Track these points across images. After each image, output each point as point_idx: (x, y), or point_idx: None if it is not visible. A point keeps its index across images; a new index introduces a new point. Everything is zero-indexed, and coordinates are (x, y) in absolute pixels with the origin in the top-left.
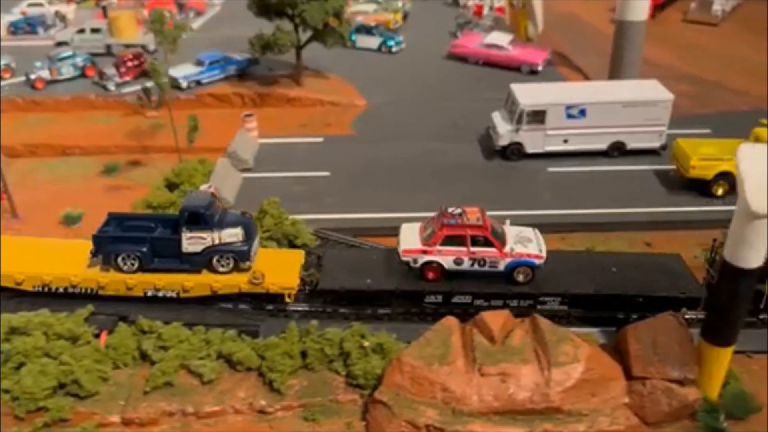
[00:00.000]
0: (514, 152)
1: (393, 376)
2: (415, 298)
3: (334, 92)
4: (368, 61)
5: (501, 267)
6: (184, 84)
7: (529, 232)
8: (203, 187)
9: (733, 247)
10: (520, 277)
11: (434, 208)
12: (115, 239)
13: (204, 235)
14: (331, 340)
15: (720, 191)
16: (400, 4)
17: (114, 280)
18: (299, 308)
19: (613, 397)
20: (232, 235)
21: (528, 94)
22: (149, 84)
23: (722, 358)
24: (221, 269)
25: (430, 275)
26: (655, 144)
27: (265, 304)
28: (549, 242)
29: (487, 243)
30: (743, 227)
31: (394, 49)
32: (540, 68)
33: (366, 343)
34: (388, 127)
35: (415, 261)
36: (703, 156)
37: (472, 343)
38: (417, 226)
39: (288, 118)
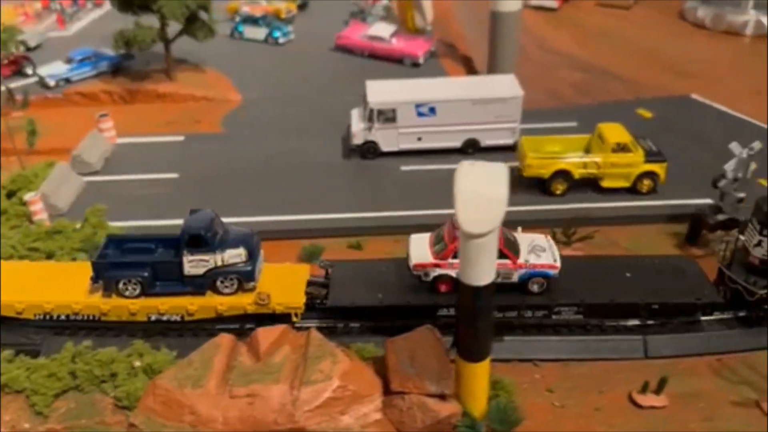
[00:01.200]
0: (370, 151)
1: (146, 399)
2: (428, 312)
3: (208, 87)
4: (252, 53)
5: (514, 278)
6: (51, 83)
7: (542, 240)
8: (28, 196)
9: (462, 265)
10: (535, 288)
11: (282, 210)
12: (116, 264)
13: (206, 257)
14: (101, 361)
15: (559, 190)
16: None
17: (116, 306)
18: (309, 324)
19: (365, 414)
20: (235, 255)
21: (380, 91)
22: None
23: (478, 373)
24: (225, 290)
25: (443, 288)
26: (509, 141)
27: (272, 323)
28: (391, 245)
29: (500, 254)
30: (464, 246)
31: (281, 41)
32: (421, 61)
33: (137, 363)
34: (258, 124)
35: (427, 274)
36: (541, 154)
37: (233, 362)
38: (426, 237)
39: (156, 115)
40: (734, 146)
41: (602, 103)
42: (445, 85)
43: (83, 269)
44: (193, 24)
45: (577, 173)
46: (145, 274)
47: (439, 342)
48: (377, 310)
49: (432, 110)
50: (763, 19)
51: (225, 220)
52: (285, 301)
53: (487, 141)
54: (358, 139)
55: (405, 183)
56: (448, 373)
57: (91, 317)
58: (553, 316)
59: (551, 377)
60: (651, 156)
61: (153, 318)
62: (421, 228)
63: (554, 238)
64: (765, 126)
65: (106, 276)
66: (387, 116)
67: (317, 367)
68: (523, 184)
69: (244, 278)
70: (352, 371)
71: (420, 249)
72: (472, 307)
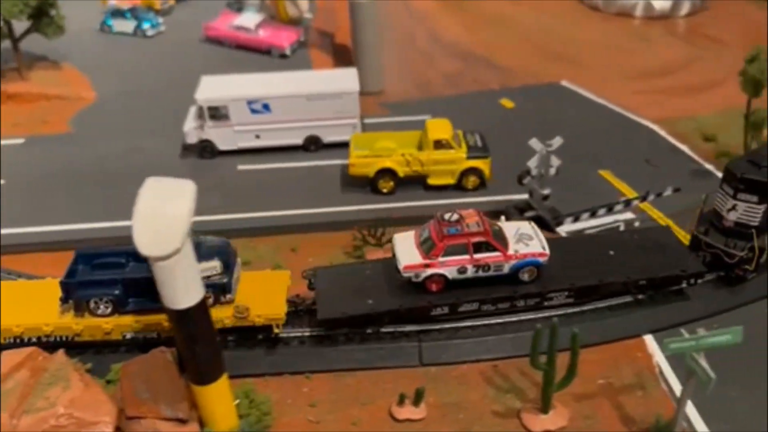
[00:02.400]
0: (206, 150)
1: None
2: (421, 313)
3: (62, 84)
4: (118, 47)
5: (506, 270)
6: None
7: (527, 227)
8: None
9: (158, 288)
10: (525, 277)
11: (106, 217)
12: (85, 283)
13: None
14: None
15: (385, 188)
16: None
17: (89, 326)
18: (295, 334)
19: None
20: (209, 268)
21: (211, 88)
22: None
23: (212, 395)
24: None
25: (434, 287)
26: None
27: (254, 334)
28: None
29: (489, 248)
30: (154, 268)
31: (149, 33)
32: (288, 52)
33: None
34: (107, 123)
35: (417, 276)
36: (371, 152)
37: None
38: (411, 236)
39: (3, 118)
40: (534, 142)
41: (469, 93)
42: (282, 80)
43: (51, 287)
44: (40, 21)
45: (402, 171)
46: (117, 291)
47: (173, 365)
48: (369, 318)
49: (266, 107)
50: (653, 1)
51: (46, 228)
52: (265, 313)
53: (328, 137)
54: (191, 138)
55: (241, 183)
56: (183, 397)
57: (64, 338)
58: (545, 303)
59: (319, 390)
60: (474, 152)
61: (129, 336)
62: (250, 232)
63: (363, 240)
64: (631, 115)
65: (75, 296)
66: (219, 114)
67: (45, 394)
68: (355, 184)
69: (221, 291)
70: (83, 398)
71: (407, 250)
72: (181, 331)
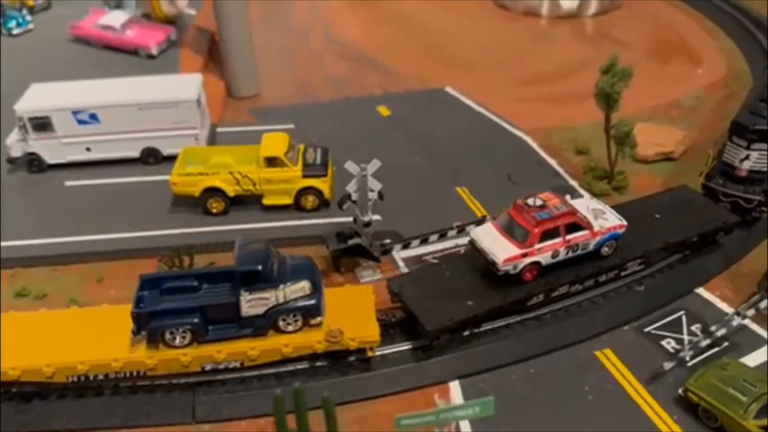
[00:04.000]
0: (33, 164)
1: None
2: (520, 305)
3: None
4: None
5: (590, 247)
6: None
7: (594, 202)
8: None
9: None
10: (606, 250)
11: None
12: (160, 313)
13: (266, 294)
14: None
15: (216, 209)
16: None
17: (165, 359)
18: (389, 351)
19: None
20: (298, 289)
21: (36, 97)
22: None
23: None
24: (289, 329)
25: (528, 276)
26: None
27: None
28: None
29: (577, 228)
30: None
31: (15, 32)
32: (154, 52)
33: None
34: None
35: (515, 267)
36: (204, 168)
37: None
38: (491, 228)
39: None
40: (349, 165)
41: (348, 99)
42: (115, 88)
43: (104, 316)
44: None
45: (232, 191)
46: (195, 320)
47: None
48: (474, 319)
49: (93, 117)
50: (560, 1)
51: None
52: (359, 335)
53: (168, 150)
54: (15, 152)
55: (65, 202)
56: None
57: (134, 374)
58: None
59: None
60: (311, 170)
61: (208, 367)
62: (56, 259)
63: (171, 268)
64: (506, 125)
65: (150, 327)
66: (42, 125)
67: None
68: (188, 203)
69: (310, 313)
70: None
71: (495, 242)
72: None
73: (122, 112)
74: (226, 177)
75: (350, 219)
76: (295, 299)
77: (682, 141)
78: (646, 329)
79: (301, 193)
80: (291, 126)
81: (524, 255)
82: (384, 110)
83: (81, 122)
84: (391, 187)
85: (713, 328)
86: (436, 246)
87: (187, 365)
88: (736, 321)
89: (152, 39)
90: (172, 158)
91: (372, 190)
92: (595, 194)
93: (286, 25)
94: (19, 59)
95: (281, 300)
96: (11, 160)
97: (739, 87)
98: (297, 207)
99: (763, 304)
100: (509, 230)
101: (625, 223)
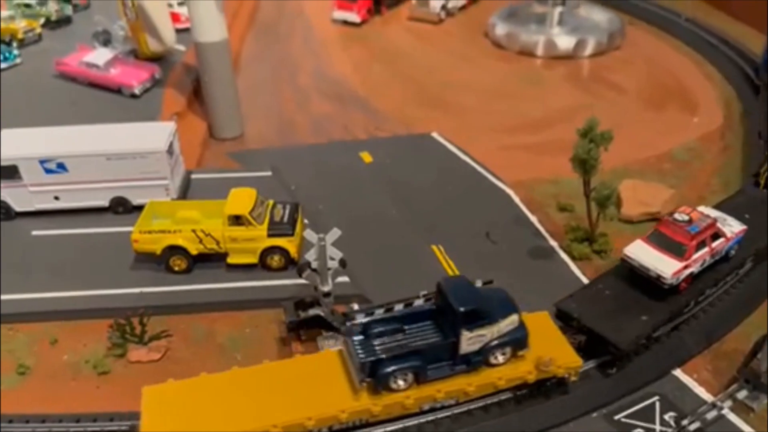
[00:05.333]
0: (1, 211)
1: None
2: (678, 314)
3: None
4: None
5: (723, 252)
6: None
7: (709, 209)
8: None
9: None
10: (732, 253)
11: None
12: (388, 359)
13: (484, 331)
14: None
15: (179, 267)
16: (52, 7)
17: (389, 404)
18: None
19: None
20: (510, 323)
21: (5, 143)
22: None
23: None
24: (498, 361)
25: (683, 286)
26: (165, 199)
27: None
28: None
29: (717, 236)
30: None
31: (1, 66)
32: (137, 91)
33: None
34: None
35: (678, 279)
36: (167, 224)
37: None
38: (643, 245)
39: None
40: (308, 234)
41: (331, 142)
42: (84, 136)
43: (291, 369)
44: None
45: (195, 249)
46: (419, 362)
47: None
48: (652, 331)
49: (61, 166)
50: (557, 39)
51: None
52: (563, 362)
53: (138, 200)
54: None
55: (28, 253)
56: None
57: (356, 422)
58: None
59: None
60: (276, 229)
61: (426, 407)
62: (13, 317)
63: (123, 336)
64: (490, 176)
65: (380, 374)
66: (10, 173)
67: None
68: (152, 259)
69: (520, 345)
70: None
71: (655, 258)
72: None
73: (90, 161)
74: (188, 235)
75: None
76: (507, 333)
77: (670, 200)
78: (616, 417)
79: (266, 252)
80: (268, 173)
81: (685, 267)
82: (366, 156)
83: (49, 171)
84: (363, 242)
85: (686, 422)
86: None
87: (409, 407)
88: (712, 413)
89: (135, 78)
90: (142, 208)
91: (332, 259)
92: (574, 257)
93: (277, 59)
94: (3, 94)
95: (496, 335)
96: None
97: (735, 140)
98: (263, 266)
99: (741, 394)
100: (665, 245)
101: (745, 227)
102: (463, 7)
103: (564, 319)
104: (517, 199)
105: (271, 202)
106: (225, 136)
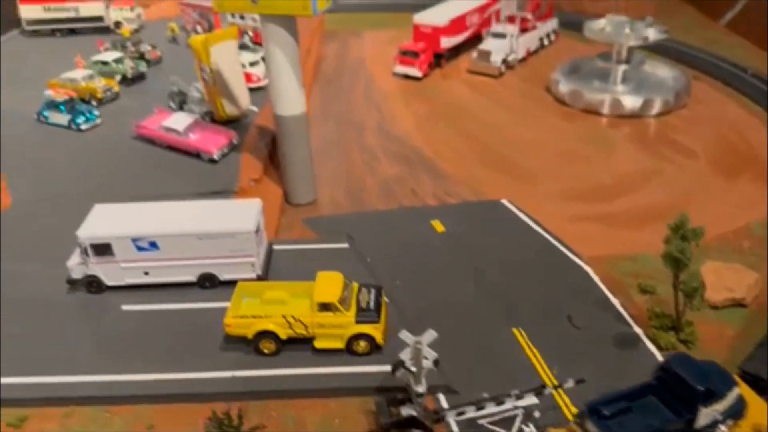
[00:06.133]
0: (92, 285)
1: None
2: None
3: None
4: (48, 141)
5: None
6: None
7: None
8: None
9: None
10: None
11: None
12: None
13: (718, 407)
14: None
15: (268, 350)
16: (128, 65)
17: None
18: None
19: None
20: (734, 396)
21: (98, 221)
22: None
23: None
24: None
25: None
26: (251, 275)
27: None
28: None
29: None
30: None
31: (83, 127)
32: (216, 157)
33: None
34: (13, 237)
35: None
36: (255, 306)
37: None
38: None
39: None
40: (404, 335)
41: (402, 209)
42: (174, 214)
43: None
44: None
45: (284, 334)
46: None
47: None
48: None
49: (153, 244)
50: (622, 98)
51: None
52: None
53: (225, 275)
54: (75, 274)
55: (120, 330)
56: None
57: None
58: None
59: None
60: (364, 316)
61: None
62: (110, 400)
63: (219, 427)
64: (565, 250)
65: None
66: (103, 250)
67: None
68: (241, 339)
69: (739, 415)
70: None
71: None
72: None
73: (181, 240)
74: (279, 320)
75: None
76: (731, 405)
77: (754, 285)
78: None
79: (353, 338)
80: (344, 245)
81: None
82: (438, 225)
83: (140, 249)
84: (443, 325)
85: None
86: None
87: None
88: None
89: (214, 144)
90: (228, 283)
91: (426, 359)
92: (660, 347)
93: (342, 115)
94: (86, 156)
95: (725, 408)
96: (71, 282)
97: None
98: (349, 351)
99: None
100: None
101: None
102: (522, 60)
103: (750, 381)
104: (596, 278)
105: (356, 285)
106: (300, 202)
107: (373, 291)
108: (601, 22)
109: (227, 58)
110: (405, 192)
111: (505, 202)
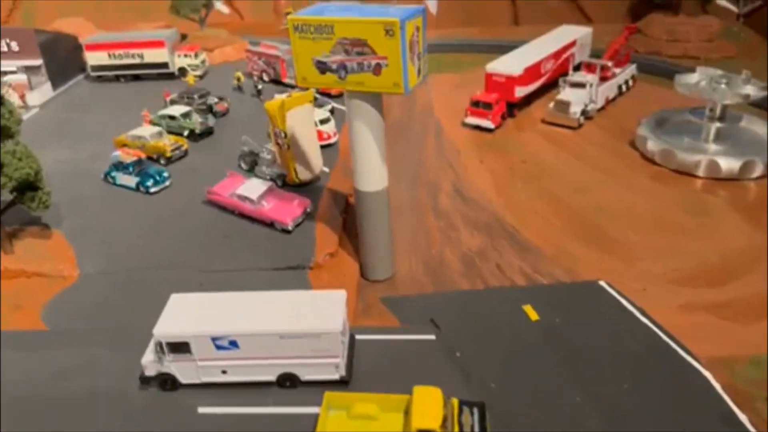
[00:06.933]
0: (167, 383)
1: None
2: None
3: (45, 258)
4: (116, 204)
5: None
6: None
7: None
8: None
9: None
10: None
11: None
12: None
13: None
14: None
15: None
16: (196, 120)
17: None
18: None
19: None
20: None
21: (175, 316)
22: None
23: None
24: None
25: None
26: (334, 376)
27: None
28: None
29: None
30: None
31: (152, 190)
32: (290, 227)
33: None
34: (79, 315)
35: None
36: (334, 427)
37: None
38: None
39: None
40: None
41: (489, 290)
42: (255, 309)
43: None
44: (23, 194)
45: None
46: None
47: None
48: None
49: (233, 343)
50: (720, 160)
51: None
52: None
53: (306, 376)
54: (149, 371)
55: None
56: None
57: None
58: None
59: None
60: None
61: None
62: None
63: None
64: (677, 347)
65: None
66: (180, 348)
67: None
68: None
69: None
70: None
71: None
72: None
73: (263, 339)
74: None
75: None
76: None
77: None
78: None
79: None
80: (431, 336)
81: None
82: (531, 312)
83: (220, 347)
84: None
85: None
86: None
87: None
88: None
89: (288, 215)
90: (309, 383)
91: None
92: None
93: (414, 173)
94: (155, 223)
95: None
96: (144, 380)
97: None
98: None
99: None
100: None
101: None
102: (601, 108)
103: None
104: (717, 386)
105: (455, 402)
106: (378, 278)
107: (476, 411)
108: (694, 76)
109: (303, 122)
110: (489, 268)
111: (602, 283)
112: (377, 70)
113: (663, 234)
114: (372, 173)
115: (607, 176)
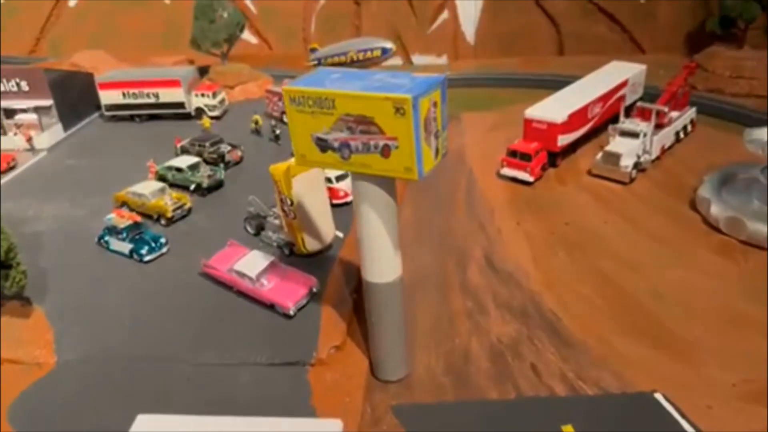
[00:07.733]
0: None
1: None
2: None
3: (21, 342)
4: (106, 274)
5: None
6: None
7: None
8: None
9: None
10: None
11: None
12: None
13: None
14: None
15: None
16: (204, 173)
17: None
18: None
19: None
20: None
21: None
22: None
23: None
24: None
25: None
26: None
27: None
28: None
29: None
30: None
31: (146, 258)
32: (292, 312)
33: None
34: (47, 415)
35: None
36: None
37: None
38: None
39: None
40: None
41: (521, 401)
42: None
43: None
44: None
45: None
46: None
47: None
48: None
49: None
50: None
51: None
52: None
53: None
54: None
55: None
56: None
57: None
58: None
59: None
60: None
61: None
62: None
63: None
64: None
65: None
66: None
67: None
68: None
69: None
70: None
71: None
72: None
73: None
74: None
75: None
76: None
77: None
78: None
79: None
80: None
81: None
82: None
83: None
84: None
85: None
86: None
87: None
88: None
89: (291, 298)
90: None
91: None
92: None
93: (440, 235)
94: (144, 299)
95: None
96: None
97: None
98: None
99: None
100: None
101: None
102: (656, 159)
103: None
104: None
105: None
106: (389, 378)
107: None
108: (765, 131)
109: (311, 188)
110: (522, 368)
111: (659, 397)
112: (386, 151)
113: (733, 329)
114: (383, 263)
115: (664, 247)
